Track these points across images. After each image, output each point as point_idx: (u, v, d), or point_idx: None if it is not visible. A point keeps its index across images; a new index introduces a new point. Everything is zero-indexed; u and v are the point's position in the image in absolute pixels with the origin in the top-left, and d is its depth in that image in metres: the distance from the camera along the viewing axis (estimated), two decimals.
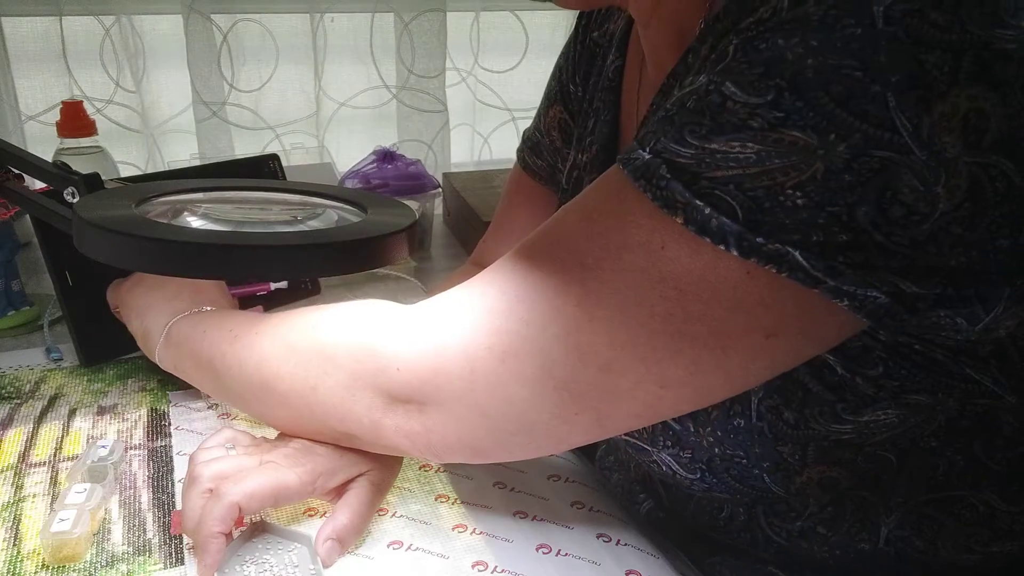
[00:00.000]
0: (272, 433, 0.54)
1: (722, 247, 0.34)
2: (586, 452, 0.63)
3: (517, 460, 0.57)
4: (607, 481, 0.59)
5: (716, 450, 0.45)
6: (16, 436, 0.60)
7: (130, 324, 0.63)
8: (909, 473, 0.44)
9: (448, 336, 0.43)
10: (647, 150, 0.37)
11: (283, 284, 0.81)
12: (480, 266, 0.59)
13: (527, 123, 0.78)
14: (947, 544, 0.45)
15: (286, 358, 0.49)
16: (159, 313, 0.59)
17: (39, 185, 0.66)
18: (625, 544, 0.51)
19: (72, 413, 0.64)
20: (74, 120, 0.89)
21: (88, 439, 0.60)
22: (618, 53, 0.60)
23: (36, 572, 0.47)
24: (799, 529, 0.47)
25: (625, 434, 0.49)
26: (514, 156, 0.77)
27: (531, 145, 0.75)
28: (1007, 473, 0.44)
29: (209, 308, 0.59)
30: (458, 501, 0.55)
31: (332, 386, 0.47)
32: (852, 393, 0.41)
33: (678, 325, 0.37)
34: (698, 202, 0.35)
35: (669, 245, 0.36)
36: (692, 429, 0.45)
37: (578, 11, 0.67)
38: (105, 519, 0.52)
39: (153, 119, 1.18)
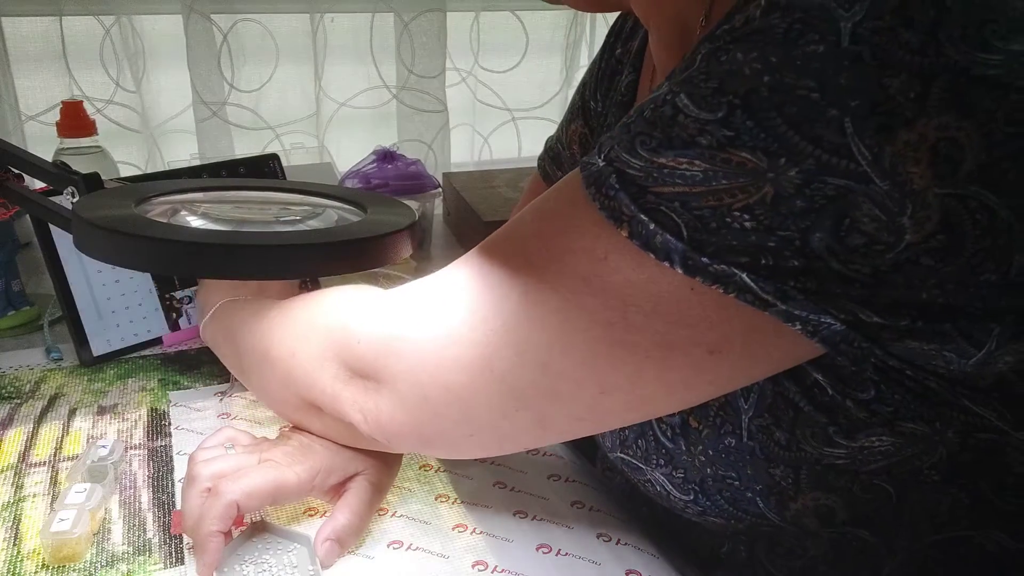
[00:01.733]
0: (272, 433, 0.54)
1: (666, 264, 0.34)
2: (586, 452, 0.63)
3: (467, 457, 0.57)
4: (609, 482, 0.59)
5: (708, 470, 0.44)
6: (16, 436, 0.60)
7: (198, 295, 0.68)
8: (911, 509, 0.42)
9: (405, 317, 0.44)
10: (602, 157, 0.36)
11: None
12: None
13: (527, 123, 0.78)
14: None
15: (281, 325, 0.52)
16: (218, 294, 0.63)
17: (39, 185, 0.66)
18: (625, 544, 0.51)
19: (72, 413, 0.64)
20: (74, 120, 0.88)
21: (88, 439, 0.60)
22: (631, 68, 0.60)
23: (36, 572, 0.47)
24: (800, 567, 0.46)
25: (620, 452, 0.49)
26: (514, 155, 0.77)
27: (552, 155, 0.75)
28: (1018, 513, 0.41)
29: None
30: (458, 501, 0.55)
31: (307, 353, 0.49)
32: (844, 416, 0.39)
33: (619, 334, 0.36)
34: (643, 216, 0.34)
35: (612, 256, 0.36)
36: (684, 448, 0.45)
37: (606, 28, 0.67)
38: (105, 519, 0.52)
39: (153, 119, 1.17)
